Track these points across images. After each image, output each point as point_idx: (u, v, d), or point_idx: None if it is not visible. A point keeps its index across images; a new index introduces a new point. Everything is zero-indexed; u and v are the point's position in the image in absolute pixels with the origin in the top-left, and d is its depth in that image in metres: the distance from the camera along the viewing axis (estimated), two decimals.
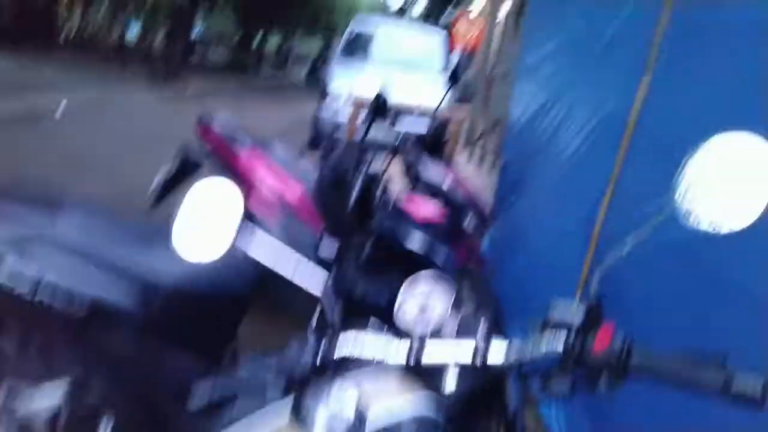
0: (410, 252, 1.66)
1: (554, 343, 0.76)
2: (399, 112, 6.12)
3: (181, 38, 13.45)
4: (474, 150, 6.16)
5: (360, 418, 0.74)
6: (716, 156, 0.71)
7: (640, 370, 0.72)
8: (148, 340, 1.40)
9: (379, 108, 1.74)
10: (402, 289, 0.93)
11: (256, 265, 1.61)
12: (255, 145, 2.75)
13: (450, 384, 0.81)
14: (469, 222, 2.65)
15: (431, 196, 2.65)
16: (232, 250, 1.63)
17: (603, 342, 0.73)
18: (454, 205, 2.60)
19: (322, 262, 1.64)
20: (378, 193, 1.51)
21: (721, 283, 1.36)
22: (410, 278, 0.93)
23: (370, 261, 1.58)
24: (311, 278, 0.94)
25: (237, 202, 0.84)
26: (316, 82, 2.59)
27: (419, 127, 2.88)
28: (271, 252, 0.93)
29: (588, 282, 2.18)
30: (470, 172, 6.53)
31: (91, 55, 15.84)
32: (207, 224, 0.85)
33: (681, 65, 1.72)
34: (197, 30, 23.11)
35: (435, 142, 2.77)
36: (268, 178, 2.67)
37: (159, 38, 20.29)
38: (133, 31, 21.65)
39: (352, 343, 0.79)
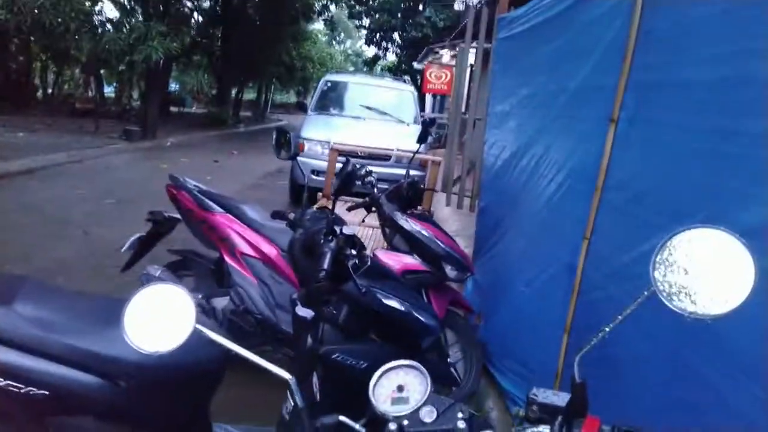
0: (391, 309, 1.61)
1: None
2: (373, 161, 6.22)
3: (157, 94, 13.55)
4: (451, 193, 6.21)
5: None
6: (689, 250, 0.70)
7: None
8: (115, 420, 1.33)
9: (348, 178, 1.73)
10: (377, 373, 0.89)
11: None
12: (226, 208, 2.73)
13: None
14: (450, 271, 2.62)
15: (410, 247, 2.63)
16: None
17: None
18: (434, 255, 2.57)
19: (300, 322, 1.59)
20: (352, 253, 1.47)
21: (707, 336, 1.34)
22: (385, 366, 0.89)
23: (348, 324, 1.53)
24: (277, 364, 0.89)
25: (190, 313, 0.82)
26: (286, 149, 2.55)
27: (393, 175, 2.89)
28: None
29: (571, 334, 2.16)
30: (449, 216, 6.56)
31: (67, 113, 15.84)
32: (158, 324, 0.82)
33: (644, 116, 1.76)
34: (174, 86, 23.42)
35: (411, 192, 2.77)
36: (242, 239, 2.63)
37: (136, 95, 20.46)
38: (110, 88, 21.83)
39: None
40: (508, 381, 2.72)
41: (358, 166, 3.05)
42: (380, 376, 0.91)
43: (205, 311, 2.66)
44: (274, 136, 2.10)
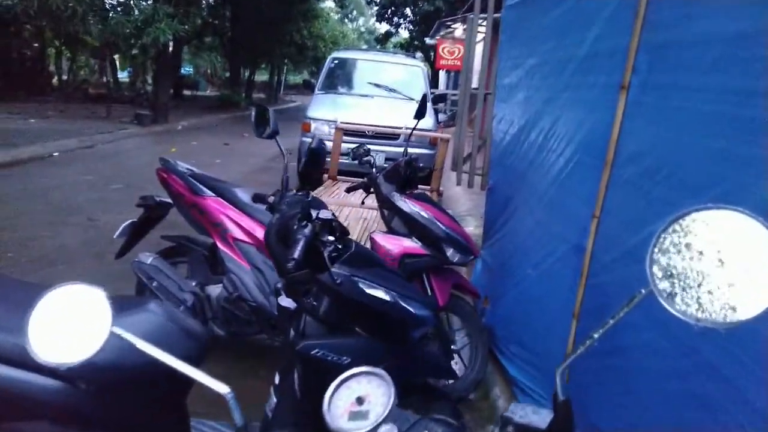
0: (374, 299, 1.47)
1: None
2: (381, 141, 6.06)
3: (168, 78, 13.47)
4: (462, 172, 6.03)
5: None
6: (696, 238, 0.54)
7: None
8: (76, 425, 1.23)
9: (313, 157, 1.59)
10: (334, 383, 0.76)
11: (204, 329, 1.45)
12: (218, 192, 2.62)
13: None
14: (452, 254, 2.48)
15: (409, 229, 2.49)
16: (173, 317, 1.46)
17: None
18: (434, 238, 2.44)
19: (284, 312, 1.48)
20: (329, 239, 1.34)
21: None
22: (343, 375, 0.77)
23: (330, 316, 1.40)
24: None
25: (105, 315, 0.69)
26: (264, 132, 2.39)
27: (402, 155, 2.76)
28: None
29: (581, 312, 2.02)
30: (460, 195, 6.39)
31: (81, 99, 15.91)
32: (70, 331, 0.70)
33: (657, 80, 1.58)
34: (187, 69, 23.38)
35: (410, 171, 2.62)
36: (234, 224, 2.53)
37: (149, 78, 20.47)
38: (124, 72, 21.87)
39: None
40: (516, 367, 2.60)
41: (363, 146, 2.91)
42: (338, 386, 0.79)
43: (200, 299, 2.58)
44: (254, 114, 1.96)
